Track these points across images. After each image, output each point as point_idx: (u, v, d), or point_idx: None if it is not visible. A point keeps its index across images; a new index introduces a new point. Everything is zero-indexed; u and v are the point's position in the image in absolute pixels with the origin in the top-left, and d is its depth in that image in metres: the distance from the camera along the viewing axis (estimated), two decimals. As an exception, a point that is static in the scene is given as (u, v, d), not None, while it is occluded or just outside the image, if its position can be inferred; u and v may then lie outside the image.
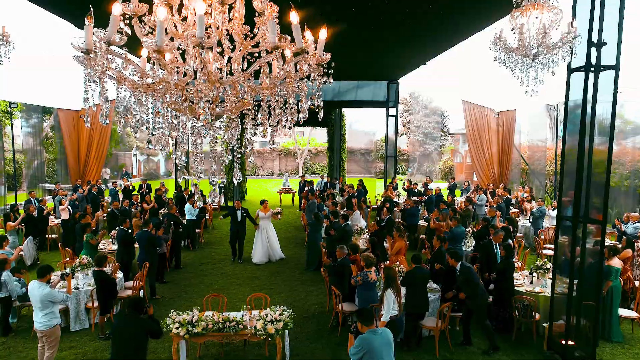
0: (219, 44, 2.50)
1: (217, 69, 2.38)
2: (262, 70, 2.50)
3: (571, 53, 5.35)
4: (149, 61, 2.46)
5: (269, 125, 2.70)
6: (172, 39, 2.36)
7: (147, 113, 2.41)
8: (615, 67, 6.47)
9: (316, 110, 2.75)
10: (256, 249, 12.41)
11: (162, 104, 2.38)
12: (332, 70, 2.69)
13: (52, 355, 6.32)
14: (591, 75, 6.55)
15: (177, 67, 2.34)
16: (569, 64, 6.72)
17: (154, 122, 2.47)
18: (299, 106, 2.75)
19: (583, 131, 6.66)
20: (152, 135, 2.51)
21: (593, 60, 6.52)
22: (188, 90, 2.34)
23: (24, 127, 19.33)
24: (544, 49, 5.22)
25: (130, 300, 5.55)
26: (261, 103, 2.60)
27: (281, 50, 2.43)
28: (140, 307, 5.41)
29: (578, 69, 6.70)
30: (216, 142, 2.60)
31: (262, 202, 12.80)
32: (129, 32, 2.28)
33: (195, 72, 2.22)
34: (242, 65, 2.59)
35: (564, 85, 7.06)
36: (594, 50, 6.52)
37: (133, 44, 2.39)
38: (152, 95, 2.28)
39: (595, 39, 6.48)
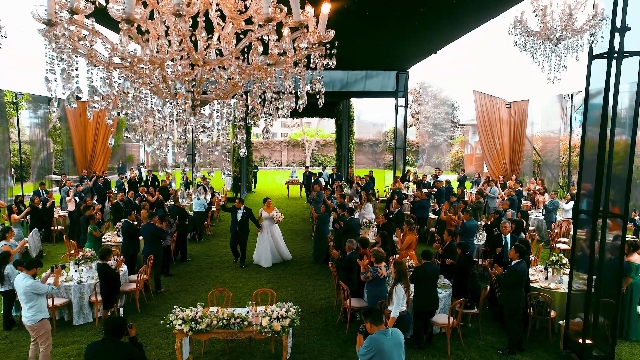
0: (209, 22, 2.20)
1: (204, 47, 2.10)
2: (253, 47, 2.19)
3: (597, 37, 5.00)
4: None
5: (264, 113, 2.39)
6: (152, 15, 2.06)
7: (124, 98, 2.11)
8: (640, 54, 6.12)
9: (317, 96, 2.43)
10: (260, 251, 11.43)
11: (132, 84, 2.07)
12: (335, 51, 2.34)
13: (47, 350, 6.19)
14: (614, 62, 6.22)
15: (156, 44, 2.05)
16: (590, 50, 6.37)
17: (131, 106, 2.17)
18: (298, 92, 2.42)
19: (604, 121, 6.33)
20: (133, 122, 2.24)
21: (616, 47, 6.18)
22: (168, 69, 2.05)
23: (31, 118, 19.25)
24: (569, 32, 4.89)
25: (108, 322, 4.61)
26: (253, 87, 2.29)
27: (275, 24, 2.10)
28: (120, 330, 4.60)
29: (600, 56, 6.36)
30: (203, 131, 2.32)
31: (265, 200, 11.76)
32: (103, 3, 1.99)
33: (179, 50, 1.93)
34: (234, 44, 2.28)
35: (578, 74, 6.73)
36: (617, 35, 6.19)
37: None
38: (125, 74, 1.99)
39: (618, 23, 6.13)
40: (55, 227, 13.55)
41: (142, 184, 17.28)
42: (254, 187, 24.66)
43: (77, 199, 13.69)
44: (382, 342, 4.51)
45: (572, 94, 17.61)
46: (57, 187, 17.15)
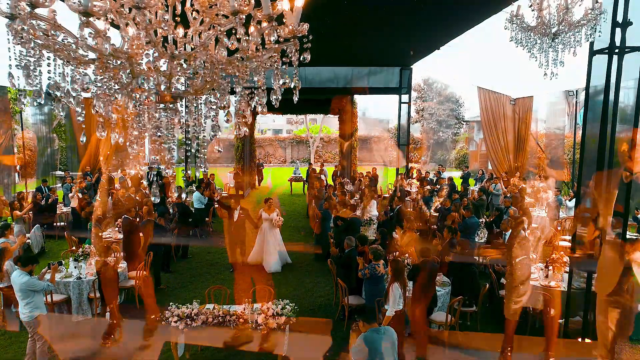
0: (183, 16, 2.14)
1: (173, 42, 2.05)
2: (219, 41, 2.14)
3: (595, 32, 4.90)
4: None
5: (241, 110, 2.34)
6: (126, 9, 2.01)
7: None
8: (642, 49, 6.02)
9: (293, 91, 2.38)
10: (258, 254, 10.99)
11: (93, 81, 2.03)
12: (309, 45, 2.28)
13: (44, 346, 6.20)
14: (615, 57, 6.11)
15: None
16: (591, 46, 6.27)
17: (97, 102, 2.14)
18: (275, 87, 2.37)
19: (605, 118, 6.24)
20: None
21: (617, 42, 6.08)
22: (142, 60, 2.00)
23: (36, 115, 19.31)
24: (565, 27, 4.80)
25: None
26: (223, 83, 2.24)
27: (244, 17, 2.05)
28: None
29: (600, 51, 6.25)
30: (181, 127, 2.28)
31: (266, 200, 11.10)
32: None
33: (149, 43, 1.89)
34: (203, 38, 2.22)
35: (584, 69, 6.62)
36: (618, 30, 6.08)
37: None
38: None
39: (620, 18, 6.02)
40: (58, 223, 13.59)
41: (145, 180, 17.32)
42: (258, 184, 24.71)
43: (80, 195, 13.74)
44: (374, 341, 4.48)
45: (576, 91, 17.44)
46: (60, 184, 17.22)
